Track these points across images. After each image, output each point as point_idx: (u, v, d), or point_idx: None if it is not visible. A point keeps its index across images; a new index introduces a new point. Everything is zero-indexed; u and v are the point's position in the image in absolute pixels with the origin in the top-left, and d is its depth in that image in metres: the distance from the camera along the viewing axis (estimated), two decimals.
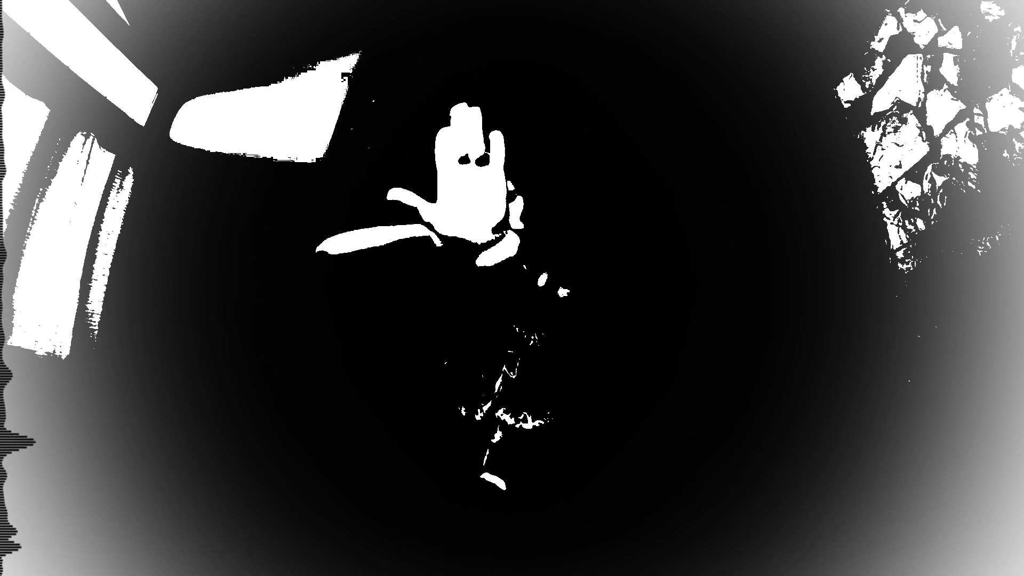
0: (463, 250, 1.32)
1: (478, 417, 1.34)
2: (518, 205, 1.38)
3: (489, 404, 1.35)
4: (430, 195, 1.35)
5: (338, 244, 1.37)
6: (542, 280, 1.37)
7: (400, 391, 1.41)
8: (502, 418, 1.35)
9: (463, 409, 1.35)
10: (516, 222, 1.37)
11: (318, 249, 1.34)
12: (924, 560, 1.28)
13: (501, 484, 1.33)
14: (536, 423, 1.37)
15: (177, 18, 1.55)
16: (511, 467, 1.35)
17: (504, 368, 1.38)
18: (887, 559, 1.30)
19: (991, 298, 1.26)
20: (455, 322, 1.40)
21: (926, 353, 1.37)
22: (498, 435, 1.34)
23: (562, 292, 1.37)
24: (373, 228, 1.38)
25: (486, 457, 1.34)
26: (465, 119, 1.33)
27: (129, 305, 1.47)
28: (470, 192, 1.31)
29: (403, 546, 1.34)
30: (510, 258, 1.34)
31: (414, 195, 1.32)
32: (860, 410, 1.39)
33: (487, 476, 1.33)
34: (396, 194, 1.31)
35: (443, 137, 1.34)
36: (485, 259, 1.32)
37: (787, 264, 1.47)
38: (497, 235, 1.32)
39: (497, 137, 1.33)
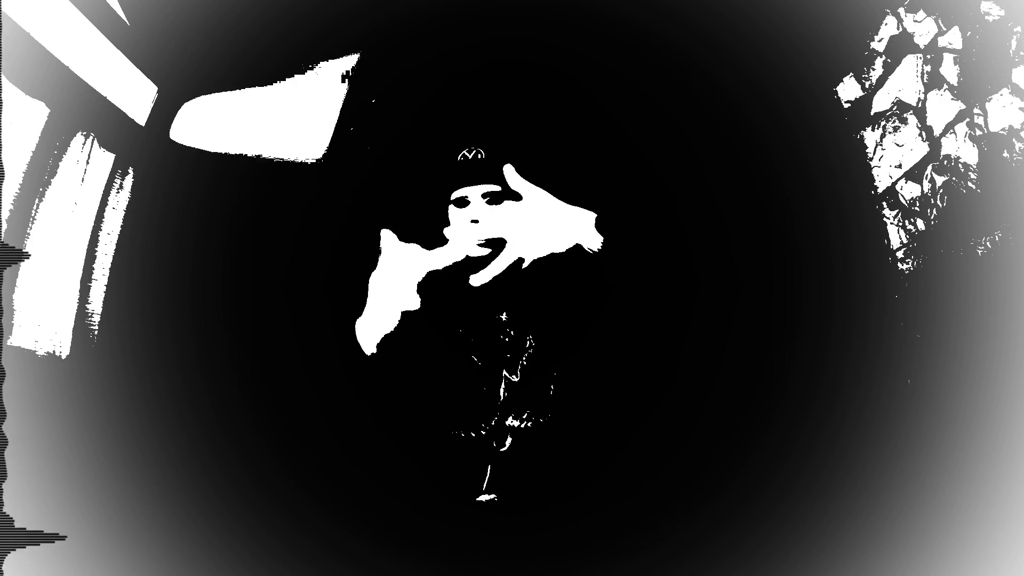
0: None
1: (483, 431, 1.34)
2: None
3: (496, 416, 1.35)
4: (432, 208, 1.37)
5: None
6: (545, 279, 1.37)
7: (400, 391, 1.41)
8: (511, 424, 1.35)
9: (466, 425, 1.35)
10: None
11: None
12: (924, 560, 1.28)
13: (495, 500, 1.33)
14: (539, 423, 1.37)
15: (177, 18, 1.55)
16: (511, 467, 1.35)
17: (505, 372, 1.37)
18: (887, 559, 1.30)
19: (991, 298, 1.26)
20: (456, 322, 1.40)
21: (926, 353, 1.37)
22: (508, 442, 1.34)
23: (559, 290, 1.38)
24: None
25: (488, 470, 1.34)
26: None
27: (129, 305, 1.47)
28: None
29: (403, 546, 1.34)
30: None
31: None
32: (860, 410, 1.39)
33: (483, 498, 1.33)
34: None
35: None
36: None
37: (787, 264, 1.47)
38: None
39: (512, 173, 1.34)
